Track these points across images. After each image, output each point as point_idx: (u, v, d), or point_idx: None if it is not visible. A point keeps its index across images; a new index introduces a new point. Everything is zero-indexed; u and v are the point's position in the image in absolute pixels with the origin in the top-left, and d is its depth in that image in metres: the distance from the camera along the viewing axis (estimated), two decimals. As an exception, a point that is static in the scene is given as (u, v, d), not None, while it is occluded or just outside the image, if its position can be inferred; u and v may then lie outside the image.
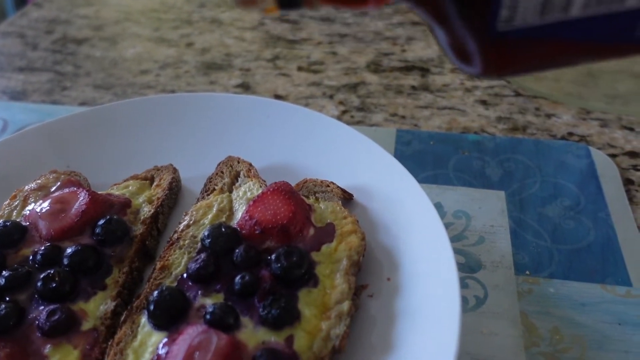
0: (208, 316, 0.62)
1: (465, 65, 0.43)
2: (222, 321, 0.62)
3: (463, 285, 0.76)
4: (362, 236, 0.73)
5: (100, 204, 0.78)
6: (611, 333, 0.69)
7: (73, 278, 0.69)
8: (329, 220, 0.75)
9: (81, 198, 0.77)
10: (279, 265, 0.67)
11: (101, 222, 0.75)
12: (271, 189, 0.75)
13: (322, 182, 0.82)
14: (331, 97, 1.16)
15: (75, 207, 0.76)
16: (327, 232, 0.74)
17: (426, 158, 0.98)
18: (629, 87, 1.11)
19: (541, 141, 1.00)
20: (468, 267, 0.78)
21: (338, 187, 0.81)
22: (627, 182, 0.91)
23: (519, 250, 0.80)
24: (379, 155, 0.83)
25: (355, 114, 1.10)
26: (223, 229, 0.72)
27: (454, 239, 0.82)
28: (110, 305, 0.68)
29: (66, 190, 0.80)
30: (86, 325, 0.66)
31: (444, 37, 0.42)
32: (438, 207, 0.88)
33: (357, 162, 0.85)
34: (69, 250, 0.71)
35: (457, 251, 0.80)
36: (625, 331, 0.69)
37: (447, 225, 0.84)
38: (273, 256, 0.68)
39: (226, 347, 0.58)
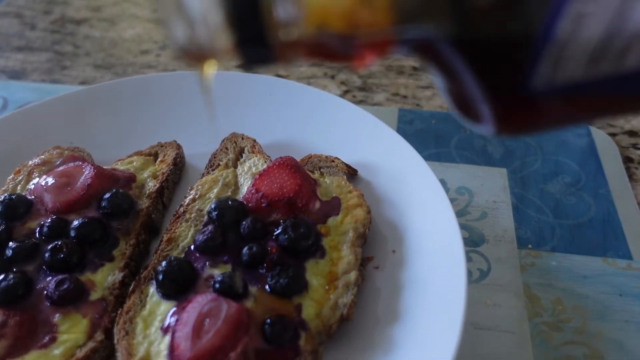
0: (217, 285, 0.63)
1: (472, 122, 0.36)
2: (231, 290, 0.62)
3: (467, 258, 0.76)
4: (368, 209, 0.74)
5: (106, 178, 0.78)
6: (612, 304, 0.70)
7: (80, 249, 0.69)
8: (334, 194, 0.76)
9: (86, 172, 0.77)
10: (287, 236, 0.68)
11: (107, 195, 0.75)
12: (277, 163, 0.76)
13: (326, 157, 0.82)
14: (332, 77, 1.16)
15: (80, 180, 0.76)
16: (333, 206, 0.74)
17: (428, 137, 0.98)
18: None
19: (542, 120, 1.01)
20: (471, 241, 0.79)
21: (343, 162, 0.81)
22: (627, 160, 0.92)
23: (521, 225, 0.81)
24: (383, 132, 0.84)
25: (357, 93, 1.11)
26: (230, 202, 0.73)
27: (457, 215, 0.83)
28: (118, 276, 0.69)
29: (71, 164, 0.80)
30: (94, 295, 0.66)
31: (449, 89, 0.36)
32: (441, 183, 0.88)
33: (361, 138, 0.85)
34: (75, 223, 0.71)
35: (460, 226, 0.80)
36: (626, 302, 0.70)
37: (451, 201, 0.84)
38: (280, 228, 0.69)
39: (236, 314, 0.59)
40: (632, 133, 0.97)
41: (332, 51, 0.33)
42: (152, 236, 0.78)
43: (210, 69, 0.36)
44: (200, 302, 0.60)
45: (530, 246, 0.78)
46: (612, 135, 0.97)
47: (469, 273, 0.75)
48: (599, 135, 0.96)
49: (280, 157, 0.77)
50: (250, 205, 0.73)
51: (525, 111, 0.34)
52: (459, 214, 0.83)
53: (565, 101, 0.32)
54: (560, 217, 0.82)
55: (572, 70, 0.30)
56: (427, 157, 0.93)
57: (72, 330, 0.62)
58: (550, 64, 0.30)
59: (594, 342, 0.66)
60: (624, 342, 0.66)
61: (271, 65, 0.33)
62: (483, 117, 0.35)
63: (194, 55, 0.34)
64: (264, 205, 0.72)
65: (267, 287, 0.64)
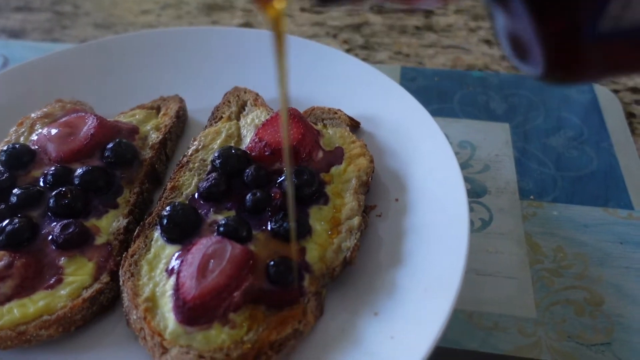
0: (221, 228, 0.63)
1: (521, 62, 0.35)
2: (236, 233, 0.63)
3: (469, 209, 0.77)
4: (371, 158, 0.74)
5: (109, 128, 0.78)
6: (613, 251, 0.71)
7: (84, 196, 0.69)
8: (337, 145, 0.76)
9: (89, 122, 0.77)
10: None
11: (110, 145, 0.75)
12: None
13: (329, 109, 0.82)
14: (335, 36, 1.15)
15: (84, 130, 0.76)
16: (336, 155, 0.75)
17: (431, 93, 0.98)
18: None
19: (545, 77, 1.01)
20: (474, 193, 0.79)
21: (345, 114, 0.81)
22: (630, 116, 0.92)
23: (524, 177, 0.81)
24: (386, 85, 0.84)
25: (359, 52, 1.10)
26: (233, 151, 0.73)
27: (460, 167, 0.83)
28: (122, 222, 0.69)
29: (74, 115, 0.80)
30: (100, 240, 0.67)
31: (505, 26, 0.34)
32: (443, 138, 0.89)
33: (364, 92, 0.85)
34: (79, 171, 0.72)
35: (463, 178, 0.82)
36: (627, 249, 0.71)
37: (453, 155, 0.85)
38: (283, 175, 0.69)
39: (240, 255, 0.59)
40: (635, 90, 0.97)
41: None
42: (156, 186, 0.78)
43: (281, 3, 0.35)
44: (205, 244, 0.60)
45: (532, 197, 0.78)
46: (615, 91, 0.96)
47: (471, 223, 0.75)
48: (602, 91, 0.96)
49: (284, 108, 0.76)
50: (253, 154, 0.73)
51: (583, 55, 0.32)
52: (461, 167, 0.82)
53: (628, 45, 0.31)
54: (562, 169, 0.82)
55: None
56: (430, 113, 0.92)
57: (77, 273, 0.63)
58: (620, 3, 0.29)
59: (594, 287, 0.67)
60: (624, 286, 0.67)
61: (343, 3, 0.32)
62: (538, 60, 0.34)
63: None
64: (267, 153, 0.73)
65: (270, 231, 0.64)
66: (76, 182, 0.71)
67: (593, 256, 0.70)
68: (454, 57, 1.07)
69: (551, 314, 0.64)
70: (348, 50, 1.10)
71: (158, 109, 0.87)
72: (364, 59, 1.08)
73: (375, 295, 0.62)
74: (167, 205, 0.67)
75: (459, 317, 0.65)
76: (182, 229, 0.65)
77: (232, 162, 0.72)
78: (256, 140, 0.74)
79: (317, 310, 0.61)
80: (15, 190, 0.69)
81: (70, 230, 0.65)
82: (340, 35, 1.15)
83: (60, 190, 0.68)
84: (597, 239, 0.72)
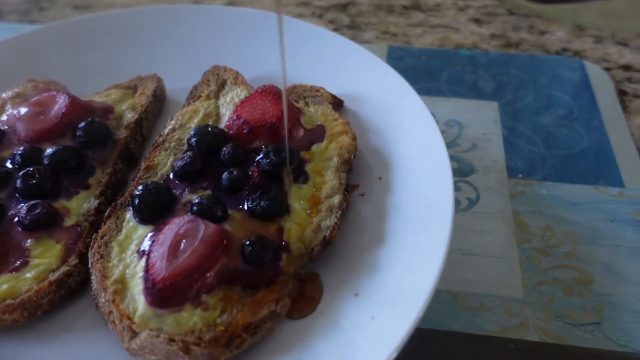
0: (195, 207, 0.60)
1: None
2: (210, 212, 0.60)
3: (455, 188, 0.73)
4: (353, 136, 0.71)
5: (81, 107, 0.75)
6: (603, 229, 0.68)
7: (54, 176, 0.66)
8: (319, 122, 0.73)
9: (61, 101, 0.74)
10: (268, 160, 0.65)
11: (82, 124, 0.72)
12: (259, 90, 0.73)
13: (311, 87, 0.79)
14: (320, 16, 1.12)
15: (55, 109, 0.73)
16: (317, 133, 0.72)
17: (418, 72, 0.95)
18: (623, 2, 1.09)
19: (535, 56, 0.98)
20: (460, 172, 0.77)
21: (328, 92, 0.78)
22: (621, 94, 0.89)
23: (512, 156, 0.79)
24: (371, 62, 0.81)
25: (346, 32, 1.07)
26: (210, 129, 0.70)
27: (446, 146, 0.81)
28: (93, 203, 0.66)
29: (45, 94, 0.77)
30: (69, 222, 0.64)
31: None
32: (430, 117, 0.86)
33: (348, 70, 0.82)
34: (49, 150, 0.69)
35: (449, 157, 0.79)
36: (617, 227, 0.69)
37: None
38: (262, 153, 0.67)
39: (214, 234, 0.56)
40: (626, 67, 0.95)
41: None
42: (131, 167, 0.75)
43: None
44: (177, 223, 0.57)
45: (520, 175, 0.76)
46: (607, 69, 0.94)
47: (458, 202, 0.73)
48: (593, 69, 0.93)
49: (264, 85, 0.74)
50: (231, 132, 0.71)
51: None
52: (448, 145, 0.80)
53: None
54: (551, 147, 0.80)
55: None
56: (417, 92, 0.89)
57: (44, 255, 0.60)
58: None
59: (583, 266, 0.64)
60: (614, 265, 0.64)
61: None
62: None
63: None
64: (245, 132, 0.70)
65: (247, 210, 0.62)
66: (46, 162, 0.68)
67: (583, 235, 0.68)
68: (442, 37, 1.05)
69: (538, 294, 0.62)
70: (334, 30, 1.07)
71: (135, 89, 0.84)
72: (351, 39, 1.05)
73: (356, 276, 0.60)
74: (140, 185, 0.65)
75: (444, 298, 0.63)
76: (155, 209, 0.62)
77: (208, 140, 0.69)
78: (234, 118, 0.71)
79: (295, 291, 0.58)
80: (-20, 172, 0.66)
81: (37, 211, 0.62)
82: (326, 15, 1.12)
83: (28, 171, 0.65)
84: (587, 217, 0.70)
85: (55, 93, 0.76)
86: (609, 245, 0.67)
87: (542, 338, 0.58)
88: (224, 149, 0.68)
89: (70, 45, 0.91)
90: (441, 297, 0.62)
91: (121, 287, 0.57)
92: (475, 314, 0.61)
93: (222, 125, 0.73)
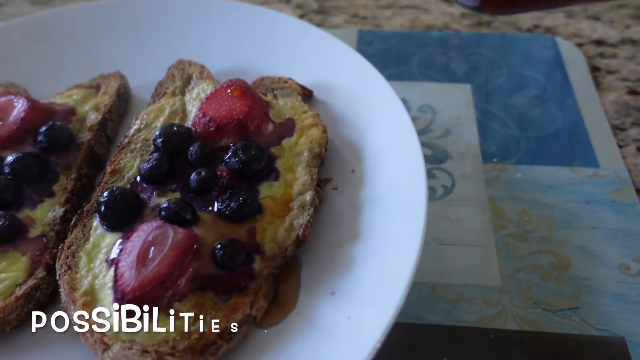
0: (163, 212, 0.59)
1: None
2: (178, 216, 0.58)
3: (430, 175, 0.74)
4: (324, 129, 0.70)
5: (41, 111, 0.72)
6: (579, 212, 0.68)
7: (15, 185, 0.64)
8: (288, 116, 0.71)
9: (19, 105, 0.71)
10: (237, 159, 0.63)
11: (43, 129, 0.69)
12: (225, 85, 0.71)
13: (279, 79, 0.77)
14: (288, 1, 1.09)
15: (13, 114, 0.71)
16: (287, 127, 0.70)
17: (389, 57, 0.94)
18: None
19: (507, 34, 0.97)
20: (435, 159, 0.76)
21: (296, 83, 0.76)
22: (594, 70, 0.89)
23: (486, 140, 0.78)
24: (339, 50, 0.79)
25: (314, 17, 1.05)
26: (175, 128, 0.68)
27: (420, 133, 0.78)
28: (58, 211, 0.64)
29: (2, 99, 0.74)
30: (34, 232, 0.62)
31: None
32: (403, 103, 0.84)
33: (317, 58, 0.80)
34: (9, 158, 0.66)
35: (423, 144, 0.77)
36: (593, 209, 0.68)
37: (413, 120, 0.80)
38: (230, 151, 0.65)
39: (183, 240, 0.55)
40: (599, 42, 0.94)
41: None
42: (97, 171, 0.73)
43: None
44: (145, 230, 0.56)
45: (495, 160, 0.75)
46: (579, 45, 0.93)
47: (433, 190, 0.72)
48: (565, 46, 0.92)
49: (230, 80, 0.72)
50: (198, 130, 0.69)
51: None
52: (422, 132, 0.80)
53: None
54: (525, 129, 0.79)
55: None
56: (388, 77, 0.87)
57: (9, 269, 0.58)
58: None
59: (560, 250, 0.64)
60: (591, 247, 0.64)
61: None
62: None
63: None
64: (212, 129, 0.68)
65: (217, 211, 0.60)
66: (6, 171, 0.65)
67: (558, 218, 0.68)
68: (413, 18, 1.03)
69: (516, 281, 0.61)
70: (302, 16, 1.05)
71: (98, 88, 0.81)
72: (319, 25, 1.02)
73: (332, 274, 0.58)
74: (106, 191, 0.63)
75: (422, 291, 0.62)
76: (122, 215, 0.60)
77: (174, 140, 0.67)
78: (200, 115, 0.69)
79: (270, 293, 0.57)
80: (-64, 185, 0.64)
81: (0, 223, 0.60)
82: (294, 0, 1.09)
83: (-13, 182, 0.63)
84: (563, 199, 0.69)
85: (13, 97, 0.73)
86: (585, 227, 0.66)
87: (521, 326, 0.58)
88: (191, 148, 0.66)
89: (29, 44, 0.87)
90: (420, 290, 0.62)
91: (90, 298, 0.55)
92: (454, 306, 0.60)
93: (189, 122, 0.71)
